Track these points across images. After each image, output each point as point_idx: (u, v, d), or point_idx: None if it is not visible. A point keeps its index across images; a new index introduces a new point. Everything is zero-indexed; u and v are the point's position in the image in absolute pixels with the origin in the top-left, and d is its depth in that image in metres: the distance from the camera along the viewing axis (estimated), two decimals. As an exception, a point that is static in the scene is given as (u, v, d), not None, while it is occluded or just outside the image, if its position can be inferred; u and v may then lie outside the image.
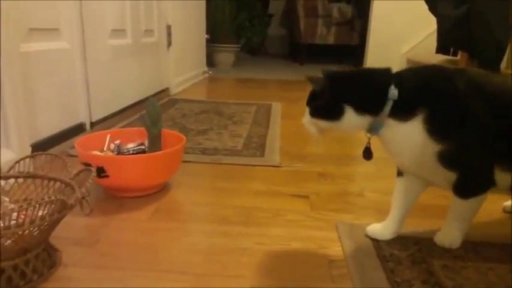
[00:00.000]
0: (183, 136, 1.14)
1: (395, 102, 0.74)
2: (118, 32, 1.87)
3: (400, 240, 0.85)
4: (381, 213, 0.92)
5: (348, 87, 0.78)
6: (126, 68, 1.97)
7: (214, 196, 1.10)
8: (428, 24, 3.06)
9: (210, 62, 3.90)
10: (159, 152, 1.10)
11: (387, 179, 1.08)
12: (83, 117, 1.60)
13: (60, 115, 1.46)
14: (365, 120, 0.76)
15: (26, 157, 0.87)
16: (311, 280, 0.73)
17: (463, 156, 0.75)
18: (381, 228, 0.87)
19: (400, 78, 0.76)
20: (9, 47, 1.07)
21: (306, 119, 0.81)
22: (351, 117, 0.76)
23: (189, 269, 0.75)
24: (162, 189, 1.10)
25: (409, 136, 0.75)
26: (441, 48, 2.63)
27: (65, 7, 1.45)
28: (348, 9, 4.72)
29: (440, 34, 2.09)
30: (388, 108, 0.74)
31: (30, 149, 1.18)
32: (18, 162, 0.85)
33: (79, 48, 1.54)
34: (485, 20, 1.75)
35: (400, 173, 0.85)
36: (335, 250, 0.82)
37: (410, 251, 0.81)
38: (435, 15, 2.11)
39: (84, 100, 1.60)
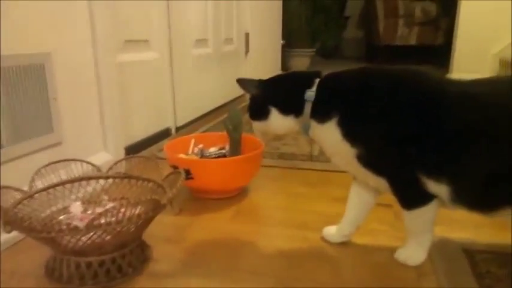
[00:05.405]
0: (262, 141, 1.16)
1: (314, 103, 0.75)
2: (201, 42, 1.96)
3: (499, 257, 0.78)
4: (477, 226, 0.85)
5: (271, 90, 0.82)
6: (207, 76, 2.06)
7: (293, 201, 1.10)
8: (526, 20, 2.78)
9: (285, 67, 3.93)
10: (240, 156, 1.13)
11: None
12: (169, 122, 1.71)
13: (149, 120, 1.57)
14: (291, 120, 0.79)
15: (123, 159, 0.94)
16: (398, 293, 0.70)
17: (378, 161, 0.72)
18: (333, 231, 0.86)
19: (324, 80, 0.77)
20: (107, 58, 1.18)
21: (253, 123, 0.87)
22: (276, 118, 0.80)
23: (271, 271, 0.76)
24: (242, 192, 1.13)
25: (329, 137, 0.75)
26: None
27: (156, 20, 1.56)
28: (432, 8, 4.46)
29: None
30: (308, 109, 0.76)
31: (124, 151, 1.29)
32: (116, 163, 0.93)
33: (167, 58, 1.65)
34: None
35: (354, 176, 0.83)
36: (424, 263, 0.77)
37: (510, 269, 0.74)
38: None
39: (170, 106, 1.71)
